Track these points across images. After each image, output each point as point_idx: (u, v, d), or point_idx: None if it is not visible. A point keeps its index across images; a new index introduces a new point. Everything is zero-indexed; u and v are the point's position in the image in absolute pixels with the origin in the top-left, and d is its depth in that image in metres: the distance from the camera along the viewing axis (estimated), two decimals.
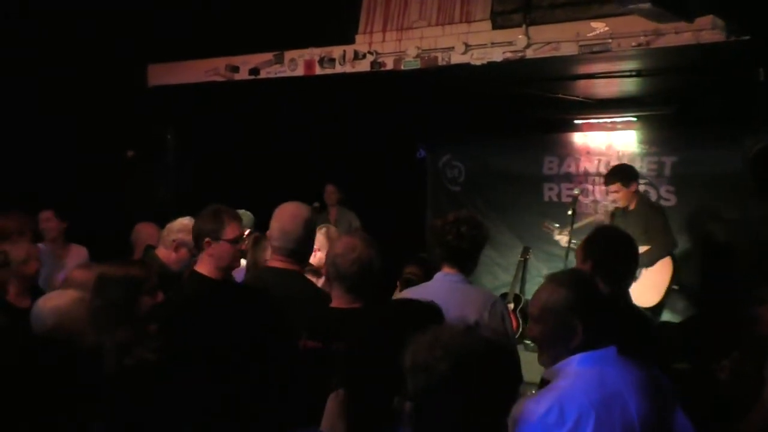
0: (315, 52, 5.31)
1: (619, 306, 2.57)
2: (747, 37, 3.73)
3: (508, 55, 4.62)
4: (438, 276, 2.94)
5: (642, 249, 5.03)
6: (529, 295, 6.28)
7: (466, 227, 2.84)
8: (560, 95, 6.18)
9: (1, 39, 5.13)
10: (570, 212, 5.68)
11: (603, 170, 6.96)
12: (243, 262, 3.50)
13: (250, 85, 5.66)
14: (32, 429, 1.23)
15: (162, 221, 4.12)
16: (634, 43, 4.23)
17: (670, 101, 6.24)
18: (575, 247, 5.49)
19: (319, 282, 3.40)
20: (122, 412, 1.37)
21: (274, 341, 1.16)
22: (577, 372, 1.96)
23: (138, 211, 5.40)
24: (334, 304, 2.54)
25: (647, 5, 3.23)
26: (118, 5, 5.48)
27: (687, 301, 6.10)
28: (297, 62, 5.41)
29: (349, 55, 5.15)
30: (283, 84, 5.56)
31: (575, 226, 5.56)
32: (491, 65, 4.70)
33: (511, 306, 6.54)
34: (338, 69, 5.22)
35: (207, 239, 2.92)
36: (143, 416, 1.32)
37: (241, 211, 3.65)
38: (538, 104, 6.49)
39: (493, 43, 4.66)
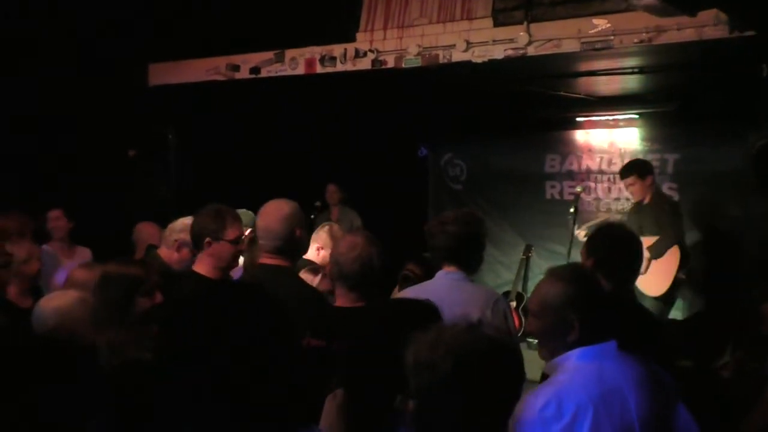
0: (316, 51, 5.30)
1: (621, 302, 2.57)
2: (750, 33, 3.71)
3: (510, 52, 4.61)
4: (439, 274, 2.93)
5: (651, 240, 5.09)
6: (531, 293, 6.27)
7: (454, 227, 2.82)
8: (562, 93, 6.17)
9: (1, 39, 5.13)
10: (572, 210, 5.67)
11: (605, 168, 6.96)
12: (241, 260, 3.50)
13: (250, 84, 5.65)
14: (32, 428, 1.22)
15: (163, 221, 4.11)
16: (636, 40, 4.21)
17: (672, 98, 6.22)
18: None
19: (316, 279, 3.40)
20: (119, 412, 1.36)
21: (274, 340, 1.16)
22: (576, 366, 1.95)
23: (139, 210, 5.40)
24: (337, 303, 2.55)
25: (653, 0, 3.21)
26: (118, 4, 5.47)
27: (690, 299, 6.09)
28: (298, 61, 5.40)
29: (350, 53, 5.14)
30: (284, 83, 5.55)
31: (588, 224, 5.64)
32: (493, 63, 4.68)
33: (514, 304, 6.53)
34: (339, 67, 5.21)
35: (208, 239, 2.90)
36: (141, 416, 1.32)
37: (242, 211, 3.64)
38: (540, 102, 6.47)
39: (494, 41, 4.65)
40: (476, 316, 2.70)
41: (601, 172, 7.01)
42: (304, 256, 4.04)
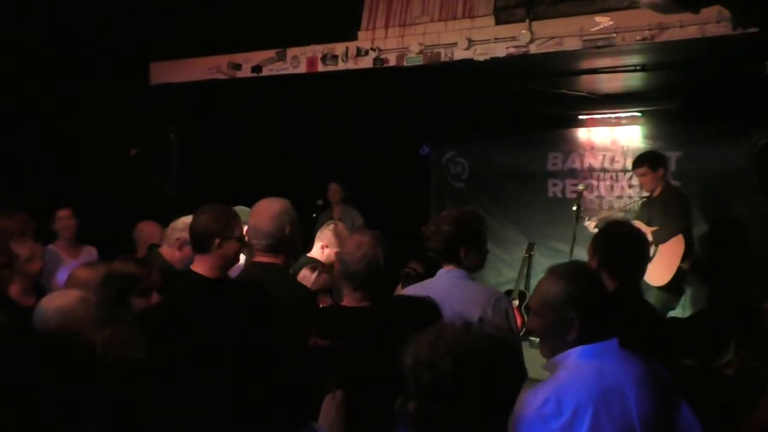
0: (317, 49, 5.29)
1: (626, 300, 2.56)
2: (753, 30, 3.69)
3: (512, 50, 4.60)
4: (440, 272, 2.93)
5: (654, 228, 5.11)
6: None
7: (449, 226, 2.83)
8: (564, 91, 6.16)
9: (2, 38, 5.13)
10: (575, 208, 5.67)
11: (607, 166, 6.96)
12: (242, 258, 3.50)
13: (252, 82, 5.65)
14: (32, 426, 1.22)
15: (164, 220, 4.11)
16: (638, 37, 4.20)
17: (674, 96, 6.21)
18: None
19: (313, 276, 3.40)
20: (117, 411, 1.36)
21: (273, 340, 1.15)
22: (576, 364, 1.95)
23: (140, 209, 5.40)
24: (343, 302, 2.55)
25: None
26: (120, 3, 5.47)
27: (693, 297, 6.08)
28: (299, 59, 5.39)
29: (352, 51, 5.13)
30: (286, 81, 5.54)
31: (597, 217, 5.71)
32: (494, 61, 4.67)
33: (516, 302, 6.53)
34: (341, 66, 5.20)
35: (218, 239, 2.88)
36: (139, 416, 1.32)
37: (240, 208, 3.65)
38: (542, 100, 6.46)
39: (496, 39, 4.64)
40: (477, 314, 2.70)
41: (604, 170, 7.00)
42: (308, 254, 4.04)
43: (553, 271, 2.08)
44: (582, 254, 5.53)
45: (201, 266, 2.92)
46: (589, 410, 1.83)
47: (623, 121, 6.84)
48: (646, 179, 5.46)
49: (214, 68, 5.73)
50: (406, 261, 3.91)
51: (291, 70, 5.43)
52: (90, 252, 4.96)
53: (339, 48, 5.20)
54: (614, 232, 2.75)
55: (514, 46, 4.58)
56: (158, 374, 1.12)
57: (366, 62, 5.11)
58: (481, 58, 4.70)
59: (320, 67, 5.29)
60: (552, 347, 2.04)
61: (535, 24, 4.52)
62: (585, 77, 5.75)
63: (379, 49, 5.06)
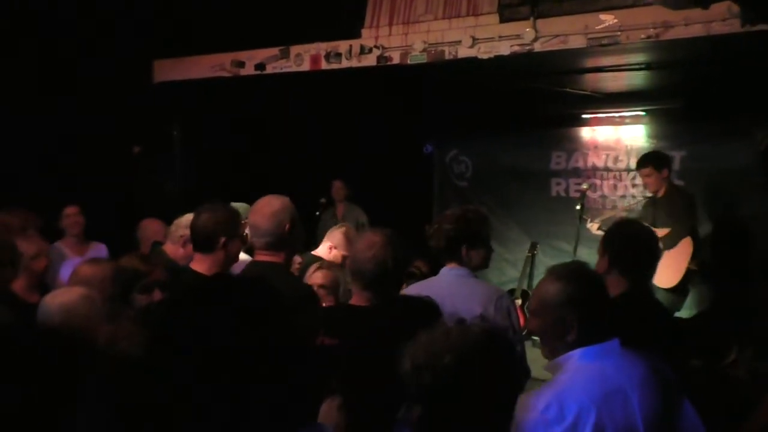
0: (321, 47, 5.29)
1: (636, 299, 2.55)
2: (759, 28, 3.67)
3: (516, 48, 4.58)
4: (443, 271, 2.93)
5: (664, 232, 5.08)
6: None
7: (450, 225, 2.83)
8: (568, 89, 6.14)
9: (6, 35, 5.13)
10: (578, 207, 5.65)
11: (611, 165, 6.94)
12: (243, 256, 3.50)
13: (255, 80, 5.64)
14: (32, 421, 1.22)
15: (168, 217, 4.11)
16: (643, 36, 4.19)
17: (678, 95, 6.19)
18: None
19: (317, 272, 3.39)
20: (117, 408, 1.36)
21: (275, 338, 1.14)
22: (578, 367, 1.94)
23: (144, 207, 5.40)
24: (352, 301, 2.54)
25: None
26: (123, 1, 5.47)
27: (697, 297, 6.06)
28: (303, 57, 5.38)
29: (356, 49, 5.13)
30: (289, 79, 5.54)
31: (599, 218, 5.67)
32: (498, 59, 4.66)
33: (519, 302, 6.51)
34: (344, 64, 5.19)
35: (223, 238, 2.88)
36: (138, 413, 1.31)
37: (239, 204, 3.65)
38: (546, 98, 6.44)
39: (500, 37, 4.63)
40: (478, 312, 2.70)
41: (607, 169, 6.98)
42: (314, 253, 4.03)
43: (552, 272, 2.07)
44: (585, 253, 5.57)
45: (202, 265, 2.90)
46: (591, 413, 1.82)
47: (627, 120, 6.82)
48: (650, 179, 5.38)
49: (217, 66, 5.73)
50: (410, 260, 3.91)
51: (294, 68, 5.42)
52: (98, 249, 4.96)
53: (343, 46, 5.19)
54: (624, 231, 2.74)
55: (519, 44, 4.56)
56: (157, 372, 1.11)
57: (370, 60, 5.10)
58: (485, 56, 4.69)
59: (324, 65, 5.29)
60: (552, 348, 2.03)
61: (540, 22, 4.50)
62: (589, 76, 5.74)
63: (383, 47, 5.05)
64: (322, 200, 6.92)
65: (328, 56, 5.25)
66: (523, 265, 6.91)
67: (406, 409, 1.51)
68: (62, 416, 1.24)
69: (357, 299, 2.50)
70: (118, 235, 4.93)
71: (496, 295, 2.85)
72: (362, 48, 5.12)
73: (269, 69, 5.52)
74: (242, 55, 5.63)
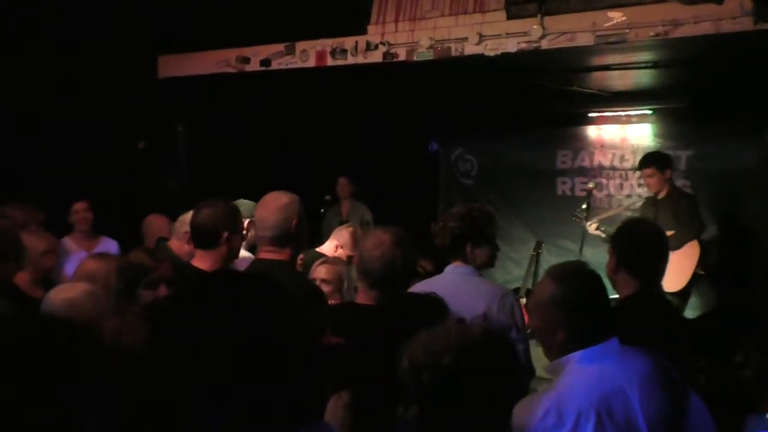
0: (327, 43, 5.27)
1: (646, 299, 2.53)
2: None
3: (523, 45, 4.56)
4: (448, 269, 2.92)
5: (669, 233, 5.02)
6: None
7: (455, 223, 2.83)
8: (575, 88, 6.11)
9: (10, 32, 5.13)
10: (584, 206, 5.62)
11: (617, 164, 6.91)
12: (243, 252, 3.49)
13: (261, 76, 5.63)
14: (32, 414, 1.21)
15: (172, 213, 4.11)
16: (651, 33, 4.16)
17: (685, 93, 6.16)
18: (602, 234, 5.47)
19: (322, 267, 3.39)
20: (118, 403, 1.36)
21: (279, 337, 1.13)
22: (577, 370, 1.93)
23: (148, 202, 5.40)
24: (359, 299, 2.53)
25: None
26: None
27: (704, 297, 6.03)
28: (308, 53, 5.37)
29: (361, 45, 5.11)
30: (295, 75, 5.52)
31: (599, 217, 5.60)
32: (505, 56, 4.64)
33: (524, 301, 6.48)
34: (350, 60, 5.17)
35: (226, 233, 2.87)
36: (141, 410, 1.31)
37: (241, 201, 3.64)
38: (553, 97, 6.42)
39: (507, 34, 4.60)
40: (482, 310, 2.69)
41: (613, 168, 6.95)
42: (319, 250, 4.02)
43: (549, 272, 2.09)
44: (590, 253, 5.55)
45: (204, 261, 2.88)
46: (591, 417, 1.81)
47: (633, 119, 6.79)
48: (652, 180, 5.31)
49: (222, 62, 5.72)
50: (417, 258, 3.89)
51: (300, 64, 5.41)
52: (107, 244, 4.96)
53: (348, 42, 5.17)
54: (632, 231, 2.72)
55: (526, 42, 4.54)
56: (159, 369, 1.10)
57: (375, 56, 5.08)
58: (492, 54, 4.66)
59: (329, 61, 5.27)
60: (547, 347, 2.04)
61: (547, 19, 4.47)
62: (596, 74, 5.71)
63: (389, 44, 5.03)
64: (327, 197, 6.90)
65: (333, 52, 5.24)
66: (528, 264, 6.88)
67: (404, 409, 1.50)
68: (64, 412, 1.23)
69: (363, 298, 2.49)
70: (123, 231, 4.93)
71: (500, 293, 2.84)
72: (368, 44, 5.10)
73: (274, 65, 5.51)
74: (247, 51, 5.62)
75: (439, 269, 3.13)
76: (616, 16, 4.23)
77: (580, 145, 7.12)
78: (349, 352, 2.03)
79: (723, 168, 6.25)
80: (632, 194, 6.74)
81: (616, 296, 2.75)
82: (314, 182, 6.44)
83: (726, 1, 3.41)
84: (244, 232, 3.33)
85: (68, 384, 1.27)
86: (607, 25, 4.28)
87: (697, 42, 4.19)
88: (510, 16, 4.64)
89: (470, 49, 4.72)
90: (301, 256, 3.73)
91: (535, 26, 4.47)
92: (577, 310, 1.96)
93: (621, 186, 6.89)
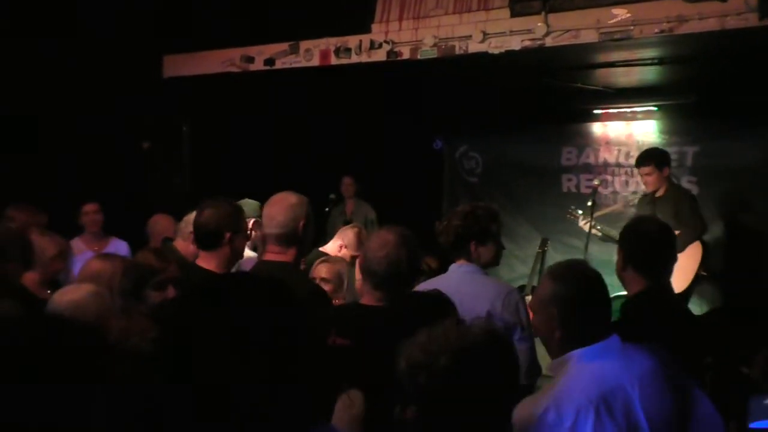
0: (331, 42, 5.27)
1: (654, 296, 2.53)
2: None
3: (527, 43, 4.55)
4: (452, 267, 2.92)
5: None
6: None
7: (459, 221, 2.83)
8: (579, 85, 6.09)
9: (17, 33, 5.14)
10: (590, 203, 5.60)
11: (623, 161, 6.88)
12: (248, 252, 3.49)
13: (265, 75, 5.63)
14: (37, 417, 1.21)
15: (177, 213, 4.11)
16: (656, 30, 4.14)
17: (691, 90, 6.13)
18: (599, 234, 5.45)
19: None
20: (123, 401, 1.36)
21: (286, 338, 1.13)
22: (577, 367, 1.93)
23: (153, 203, 5.41)
24: (362, 300, 2.51)
25: None
26: None
27: (710, 295, 6.01)
28: (312, 52, 5.37)
29: (365, 44, 5.10)
30: (299, 74, 5.52)
31: (597, 214, 5.51)
32: (509, 54, 4.63)
33: (529, 298, 6.47)
34: (354, 59, 5.17)
35: (228, 234, 2.86)
36: (145, 408, 1.31)
37: (247, 201, 3.64)
38: (557, 94, 6.40)
39: (511, 31, 4.59)
40: (486, 309, 2.69)
41: (619, 165, 6.93)
42: (322, 249, 4.03)
43: (548, 270, 2.12)
44: (596, 250, 5.53)
45: (208, 262, 2.88)
46: (590, 414, 1.82)
47: (639, 116, 6.77)
48: (651, 178, 5.11)
49: (227, 61, 5.72)
50: (421, 256, 3.89)
51: (304, 63, 5.41)
52: (117, 245, 4.98)
53: (352, 41, 5.17)
54: (638, 229, 2.71)
55: (530, 39, 4.53)
56: (167, 370, 1.10)
57: (379, 55, 5.08)
58: (496, 51, 4.65)
59: (333, 60, 5.27)
60: (547, 345, 2.05)
61: (551, 16, 4.46)
62: (601, 71, 5.69)
63: (393, 42, 5.02)
64: (332, 196, 6.91)
65: (337, 51, 5.23)
66: (533, 262, 6.87)
67: (401, 409, 1.50)
68: (71, 414, 1.24)
69: (368, 298, 2.47)
70: (128, 231, 4.94)
71: (505, 291, 2.83)
72: (372, 43, 5.09)
73: (278, 64, 5.51)
74: (252, 51, 5.62)
75: (444, 267, 3.13)
76: (621, 13, 4.21)
77: (586, 142, 7.10)
78: (357, 352, 2.03)
79: (730, 164, 6.22)
80: (638, 191, 6.70)
81: (624, 293, 2.75)
82: (319, 181, 6.45)
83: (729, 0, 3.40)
84: (249, 231, 3.32)
85: (75, 385, 1.28)
86: (612, 22, 4.26)
87: (703, 38, 4.17)
88: (514, 14, 4.63)
89: (474, 47, 4.71)
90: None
91: (539, 24, 4.46)
92: (573, 309, 1.98)
93: (626, 183, 6.87)
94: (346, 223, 6.46)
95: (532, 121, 6.97)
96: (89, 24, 5.38)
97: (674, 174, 6.48)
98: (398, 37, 5.02)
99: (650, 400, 1.88)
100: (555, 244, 6.94)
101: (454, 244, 2.86)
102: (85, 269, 3.11)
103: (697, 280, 5.01)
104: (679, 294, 5.01)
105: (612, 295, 2.13)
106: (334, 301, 3.09)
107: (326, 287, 3.13)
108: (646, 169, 5.15)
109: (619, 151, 6.94)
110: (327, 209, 6.75)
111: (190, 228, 3.70)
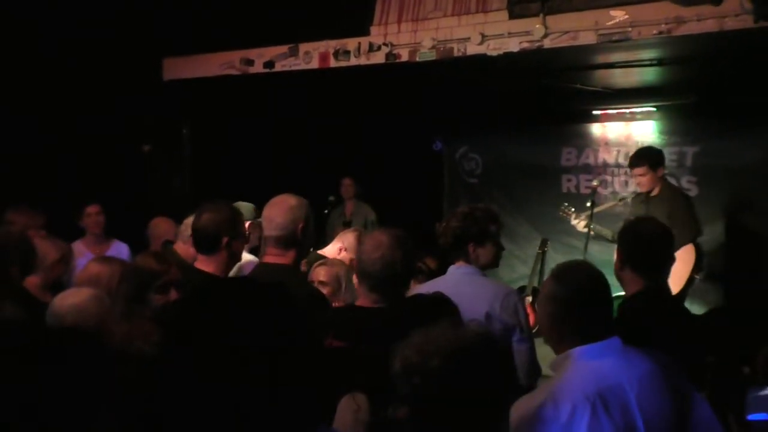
0: (330, 45, 5.28)
1: (651, 297, 2.54)
2: None
3: (525, 45, 4.56)
4: (451, 269, 2.93)
5: None
6: None
7: (457, 223, 2.84)
8: (578, 86, 6.10)
9: (17, 35, 5.16)
10: (589, 204, 5.61)
11: (622, 161, 6.89)
12: (247, 256, 3.49)
13: (264, 78, 5.64)
14: (39, 422, 1.22)
15: (178, 216, 4.12)
16: (654, 32, 4.15)
17: (690, 90, 6.14)
18: (591, 233, 5.44)
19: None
20: (127, 406, 1.37)
21: (288, 340, 1.14)
22: (576, 365, 1.96)
23: (153, 205, 5.42)
24: (358, 302, 2.50)
25: None
26: None
27: (711, 294, 6.01)
28: (311, 55, 5.38)
29: (364, 47, 5.12)
30: (298, 77, 5.54)
31: (589, 212, 5.48)
32: (508, 56, 4.64)
33: (529, 299, 6.49)
34: (353, 61, 5.18)
35: (226, 238, 2.87)
36: (149, 411, 1.32)
37: (241, 203, 3.64)
38: (556, 95, 6.41)
39: (509, 33, 4.60)
40: (484, 310, 2.70)
41: (618, 165, 6.94)
42: (321, 252, 4.03)
43: (552, 271, 2.16)
44: (596, 250, 5.54)
45: (207, 265, 2.89)
46: (586, 410, 1.83)
47: (638, 116, 6.78)
48: (644, 179, 4.93)
49: (226, 64, 5.73)
50: (420, 257, 3.90)
51: (303, 66, 5.42)
52: (118, 248, 4.98)
53: (351, 43, 5.18)
54: (636, 229, 2.72)
55: (528, 41, 4.54)
56: (170, 373, 1.11)
57: (378, 57, 5.09)
58: (495, 53, 4.66)
59: (332, 63, 5.28)
60: (549, 343, 2.09)
61: (550, 18, 4.47)
62: (600, 72, 5.70)
63: (392, 45, 5.03)
64: (331, 198, 6.92)
65: (336, 54, 5.25)
66: (533, 262, 6.88)
67: (393, 409, 1.50)
68: (74, 416, 1.25)
69: (363, 300, 2.47)
70: (128, 233, 4.95)
71: (503, 292, 2.84)
72: (371, 45, 5.10)
73: (278, 67, 5.52)
74: (251, 53, 5.63)
75: (443, 269, 3.14)
76: (619, 15, 4.22)
77: (585, 142, 7.12)
78: (354, 354, 2.03)
79: (729, 164, 6.24)
80: (637, 191, 6.72)
81: (623, 293, 2.76)
82: (319, 183, 6.46)
83: (726, 1, 3.40)
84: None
85: (79, 388, 1.29)
86: (610, 23, 4.27)
87: (701, 39, 4.18)
88: (512, 16, 4.63)
89: (472, 49, 4.72)
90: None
91: (537, 25, 4.46)
92: (568, 308, 2.01)
93: (626, 183, 6.88)
94: (346, 224, 6.47)
95: (531, 122, 6.98)
96: (90, 26, 5.39)
97: (674, 174, 6.51)
98: (397, 39, 5.03)
99: (648, 402, 1.90)
100: (555, 245, 6.96)
101: (452, 246, 2.87)
102: (84, 272, 3.12)
103: (690, 283, 4.88)
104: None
105: (613, 296, 2.15)
106: (332, 304, 3.09)
107: (324, 290, 3.12)
108: (639, 170, 4.96)
109: (619, 151, 6.96)
110: (326, 211, 6.76)
111: (190, 231, 3.72)
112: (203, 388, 1.09)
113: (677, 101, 6.40)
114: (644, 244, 2.61)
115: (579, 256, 5.52)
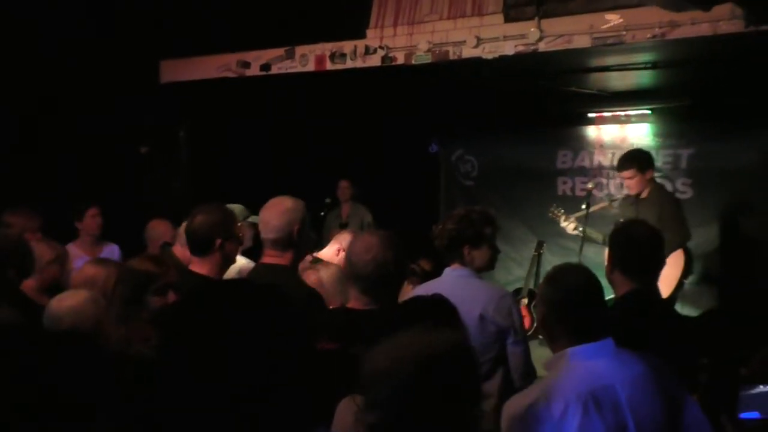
0: (326, 47, 5.30)
1: (641, 300, 2.56)
2: (765, 27, 3.66)
3: (521, 48, 4.58)
4: (446, 271, 2.93)
5: None
6: None
7: (453, 225, 2.85)
8: (573, 89, 6.13)
9: (16, 36, 5.16)
10: (584, 206, 5.62)
11: (617, 164, 6.90)
12: (242, 260, 3.50)
13: (261, 80, 5.66)
14: (38, 424, 1.23)
15: (175, 218, 4.13)
16: (649, 35, 4.18)
17: (685, 93, 6.17)
18: (580, 234, 5.45)
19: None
20: (125, 408, 1.38)
21: (284, 343, 1.15)
22: (570, 364, 1.98)
23: (151, 208, 5.42)
24: (350, 304, 2.50)
25: None
26: (130, 1, 5.49)
27: (706, 296, 6.04)
28: (308, 57, 5.39)
29: (360, 49, 5.14)
30: (294, 79, 5.55)
31: (579, 214, 5.49)
32: (503, 59, 4.66)
33: (525, 301, 6.50)
34: (349, 64, 5.20)
35: (219, 240, 2.88)
36: (147, 414, 1.33)
37: (235, 206, 3.64)
38: (551, 98, 6.44)
39: (505, 37, 4.63)
40: (478, 313, 2.70)
41: (613, 167, 6.94)
42: (319, 255, 4.04)
43: (548, 273, 2.20)
44: (592, 252, 5.56)
45: (201, 267, 2.90)
46: (578, 409, 1.85)
47: (633, 119, 6.81)
48: (633, 182, 4.83)
49: (223, 66, 5.75)
50: (414, 259, 3.91)
51: (299, 68, 5.43)
52: (111, 250, 4.98)
53: (347, 46, 5.20)
54: (626, 232, 2.74)
55: (523, 44, 4.56)
56: (168, 374, 1.12)
57: (374, 60, 5.11)
58: (490, 56, 4.69)
59: (329, 65, 5.30)
60: (547, 343, 2.12)
61: (545, 22, 4.50)
62: (595, 75, 5.73)
63: (388, 48, 5.05)
64: (328, 200, 6.93)
65: (332, 56, 5.26)
66: (529, 265, 6.90)
67: (362, 412, 1.50)
68: (74, 420, 1.26)
69: (355, 303, 2.46)
70: (125, 235, 4.95)
71: (498, 295, 2.85)
72: (367, 48, 5.12)
73: (274, 69, 5.53)
74: (248, 56, 5.65)
75: (438, 271, 3.15)
76: (614, 19, 4.25)
77: (580, 145, 7.14)
78: (345, 356, 2.03)
79: (724, 166, 6.26)
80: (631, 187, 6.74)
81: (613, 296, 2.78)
82: (315, 185, 6.47)
83: (716, 6, 3.43)
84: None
85: (77, 390, 1.30)
86: (605, 27, 4.30)
87: (695, 43, 4.21)
88: (508, 19, 4.66)
89: (468, 52, 4.74)
90: (310, 258, 3.74)
91: (532, 29, 4.49)
92: (560, 310, 2.04)
93: (621, 186, 6.88)
94: (342, 226, 6.48)
95: (527, 124, 7.00)
96: (87, 28, 5.39)
97: (669, 177, 6.54)
98: (393, 42, 5.05)
99: (639, 403, 1.92)
100: (551, 247, 6.98)
101: (448, 248, 2.88)
102: (79, 274, 3.13)
103: (679, 287, 4.83)
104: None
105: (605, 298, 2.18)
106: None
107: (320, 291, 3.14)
108: (628, 173, 4.86)
109: (614, 154, 6.96)
110: (322, 213, 6.77)
111: None
112: (200, 390, 1.10)
113: (672, 104, 6.44)
114: (635, 248, 2.62)
115: (574, 259, 5.54)
